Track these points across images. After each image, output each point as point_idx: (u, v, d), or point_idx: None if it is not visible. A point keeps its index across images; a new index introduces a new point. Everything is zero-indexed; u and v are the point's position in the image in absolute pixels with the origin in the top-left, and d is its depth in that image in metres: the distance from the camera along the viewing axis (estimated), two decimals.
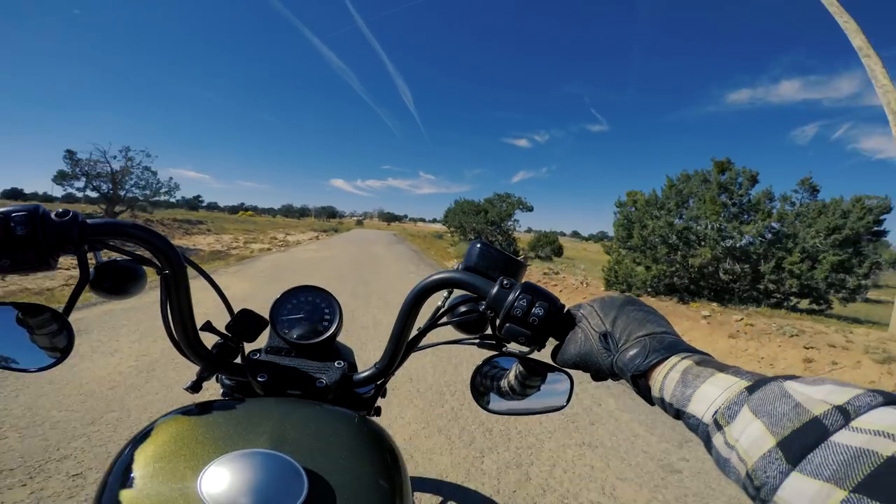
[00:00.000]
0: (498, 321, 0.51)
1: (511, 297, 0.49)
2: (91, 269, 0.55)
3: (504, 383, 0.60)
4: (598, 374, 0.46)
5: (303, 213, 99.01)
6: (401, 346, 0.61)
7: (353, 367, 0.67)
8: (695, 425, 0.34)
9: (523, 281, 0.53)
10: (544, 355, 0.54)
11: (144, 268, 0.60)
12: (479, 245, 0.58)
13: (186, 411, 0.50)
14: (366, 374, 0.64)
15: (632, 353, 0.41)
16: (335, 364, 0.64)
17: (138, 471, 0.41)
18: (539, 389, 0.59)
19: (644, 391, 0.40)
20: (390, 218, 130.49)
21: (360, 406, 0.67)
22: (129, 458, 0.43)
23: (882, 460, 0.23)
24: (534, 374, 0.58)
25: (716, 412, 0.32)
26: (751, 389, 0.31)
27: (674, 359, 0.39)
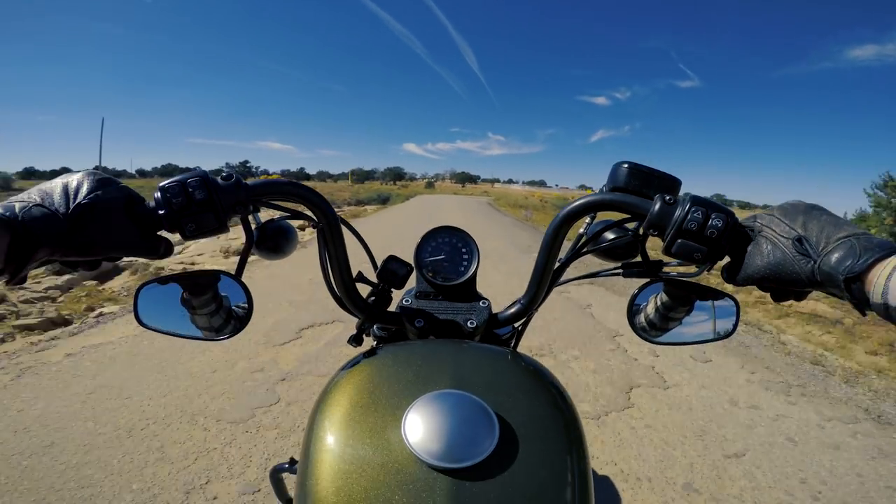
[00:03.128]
0: (665, 239, 0.47)
1: (680, 212, 0.46)
2: (254, 230, 0.56)
3: (641, 318, 0.57)
4: (792, 285, 0.42)
5: (368, 176, 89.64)
6: (545, 280, 0.59)
7: (491, 306, 0.65)
8: None
9: (689, 193, 0.48)
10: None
11: (295, 226, 0.65)
12: (626, 165, 0.55)
13: (360, 362, 0.50)
14: (510, 311, 0.63)
15: (838, 254, 0.37)
16: (480, 304, 0.64)
17: (342, 422, 0.42)
18: (681, 322, 0.55)
19: (859, 296, 0.36)
20: (464, 178, 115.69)
21: (502, 344, 0.67)
22: (329, 410, 0.44)
23: None
24: (680, 305, 0.54)
25: None
26: None
27: (894, 258, 0.34)
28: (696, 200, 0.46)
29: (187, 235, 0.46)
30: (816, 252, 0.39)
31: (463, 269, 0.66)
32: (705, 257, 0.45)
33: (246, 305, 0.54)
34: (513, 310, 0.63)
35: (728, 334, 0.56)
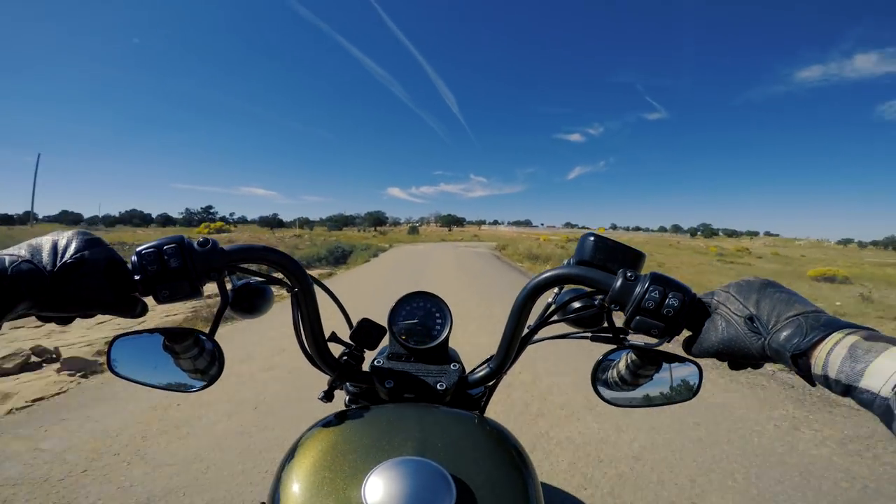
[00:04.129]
0: (626, 314, 0.50)
1: (640, 290, 0.49)
2: (229, 292, 0.58)
3: (613, 373, 0.59)
4: (744, 360, 0.45)
5: (347, 221, 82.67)
6: (514, 345, 0.62)
7: (463, 368, 0.68)
8: (869, 400, 0.33)
9: (650, 271, 0.51)
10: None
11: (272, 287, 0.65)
12: (592, 238, 0.57)
13: (331, 422, 0.53)
14: (479, 374, 0.66)
15: (786, 333, 0.40)
16: (451, 367, 0.66)
17: (304, 482, 0.44)
18: (651, 379, 0.57)
19: (804, 369, 0.39)
20: (450, 221, 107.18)
21: (472, 406, 0.69)
22: (294, 469, 0.46)
23: None
24: (649, 364, 0.57)
25: (895, 385, 0.32)
26: None
27: (836, 335, 0.38)
28: (655, 279, 0.49)
29: (160, 300, 0.48)
30: (767, 330, 0.42)
31: (436, 332, 0.69)
32: (662, 332, 0.48)
33: (219, 359, 0.55)
34: (482, 372, 0.66)
35: (689, 397, 0.58)
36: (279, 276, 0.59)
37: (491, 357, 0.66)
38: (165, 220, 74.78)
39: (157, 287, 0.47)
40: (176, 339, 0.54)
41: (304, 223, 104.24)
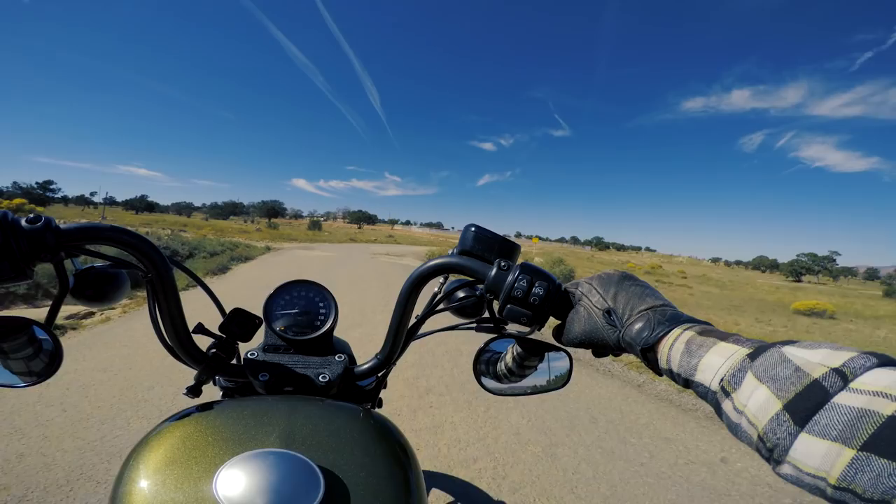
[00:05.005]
0: (498, 303, 0.51)
1: (510, 279, 0.50)
2: (70, 277, 0.52)
3: (501, 366, 0.61)
4: (604, 350, 0.47)
5: (235, 210, 69.29)
6: (400, 335, 0.61)
7: (352, 359, 0.66)
8: (703, 393, 0.35)
9: (521, 261, 0.52)
10: (545, 336, 0.52)
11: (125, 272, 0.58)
12: (473, 229, 0.57)
13: (190, 414, 0.49)
14: (367, 366, 0.64)
15: (637, 326, 0.42)
16: (335, 358, 0.63)
17: (150, 477, 0.40)
18: (536, 370, 0.59)
19: (652, 363, 0.41)
20: (360, 218, 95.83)
21: (363, 399, 0.67)
22: (139, 463, 0.42)
23: (884, 419, 0.24)
24: (532, 355, 0.59)
25: (721, 379, 0.34)
26: (752, 356, 0.33)
27: (677, 330, 0.40)
28: (524, 269, 0.50)
29: None
30: (621, 323, 0.44)
31: (319, 323, 0.66)
32: (530, 320, 0.50)
33: (55, 353, 0.50)
34: (369, 364, 0.64)
35: (561, 385, 0.60)
36: (131, 260, 0.53)
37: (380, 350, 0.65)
38: None
39: None
40: (6, 333, 0.48)
41: (183, 208, 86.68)
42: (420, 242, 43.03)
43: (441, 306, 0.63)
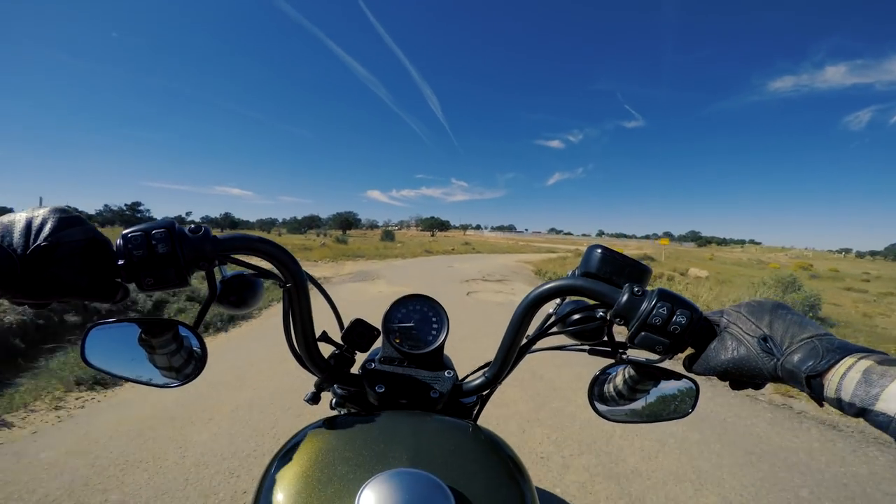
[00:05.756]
0: (630, 329, 0.49)
1: (647, 305, 0.48)
2: (218, 283, 0.55)
3: (610, 387, 0.58)
4: (752, 379, 0.45)
5: (312, 223, 69.88)
6: (511, 355, 0.60)
7: (457, 376, 0.66)
8: (885, 423, 0.34)
9: (657, 287, 0.50)
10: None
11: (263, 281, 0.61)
12: (599, 250, 0.55)
13: (320, 429, 0.50)
14: (474, 382, 0.64)
15: (800, 355, 0.40)
16: (445, 374, 0.64)
17: (294, 493, 0.41)
18: (648, 394, 0.57)
19: (818, 392, 0.40)
20: (433, 225, 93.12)
21: (465, 414, 0.66)
22: (281, 477, 0.43)
23: None
24: (646, 379, 0.56)
25: None
26: None
27: (849, 359, 0.38)
28: (663, 295, 0.48)
29: (144, 288, 0.45)
30: (780, 351, 0.42)
31: (431, 337, 0.66)
32: (667, 349, 0.47)
33: (201, 354, 0.52)
34: (478, 381, 0.64)
35: (685, 414, 0.57)
36: (271, 269, 0.56)
37: (486, 365, 0.65)
38: None
39: (141, 273, 0.44)
40: (155, 331, 0.50)
41: (266, 224, 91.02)
42: (501, 249, 37.43)
43: (555, 329, 0.61)
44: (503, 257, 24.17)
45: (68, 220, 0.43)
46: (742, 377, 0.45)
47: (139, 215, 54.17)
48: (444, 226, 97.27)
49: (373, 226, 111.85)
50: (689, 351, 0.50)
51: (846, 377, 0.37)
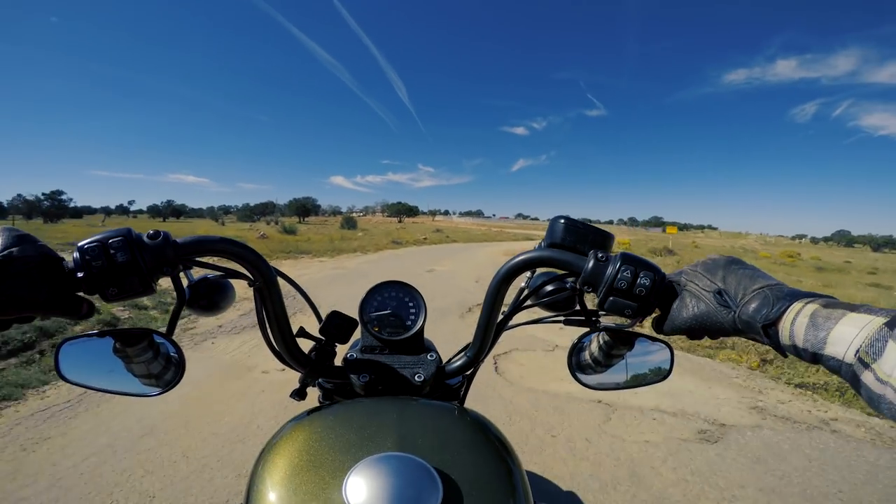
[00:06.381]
0: (599, 296, 0.49)
1: (611, 270, 0.48)
2: (185, 289, 0.54)
3: (585, 355, 0.59)
4: (717, 333, 0.45)
5: (265, 210, 62.55)
6: (489, 332, 0.61)
7: (440, 358, 0.66)
8: (836, 366, 0.34)
9: (620, 251, 0.51)
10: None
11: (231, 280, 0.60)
12: (562, 220, 0.56)
13: (305, 420, 0.51)
14: (457, 363, 0.65)
15: (754, 304, 0.41)
16: (427, 357, 0.64)
17: (282, 483, 0.42)
18: (623, 358, 0.58)
19: (774, 340, 0.40)
20: (400, 210, 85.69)
21: (451, 396, 0.67)
22: (270, 470, 0.44)
23: None
24: (621, 344, 0.57)
25: (857, 351, 0.32)
26: (891, 325, 0.31)
27: (797, 304, 0.38)
28: (626, 258, 0.49)
29: (109, 299, 0.44)
30: (735, 303, 0.43)
31: (410, 322, 0.66)
32: (635, 312, 0.48)
33: (179, 359, 0.52)
34: (460, 361, 0.64)
35: (665, 376, 0.58)
36: (239, 269, 0.55)
37: (467, 346, 0.65)
38: None
39: (103, 285, 0.44)
40: (129, 341, 0.50)
41: (217, 212, 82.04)
42: (476, 237, 33.19)
43: (529, 301, 0.62)
44: (485, 248, 19.94)
45: (19, 236, 0.43)
46: (706, 333, 0.45)
47: (61, 204, 45.34)
48: (412, 211, 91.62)
49: (335, 212, 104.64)
50: (656, 313, 0.50)
51: (796, 322, 0.37)
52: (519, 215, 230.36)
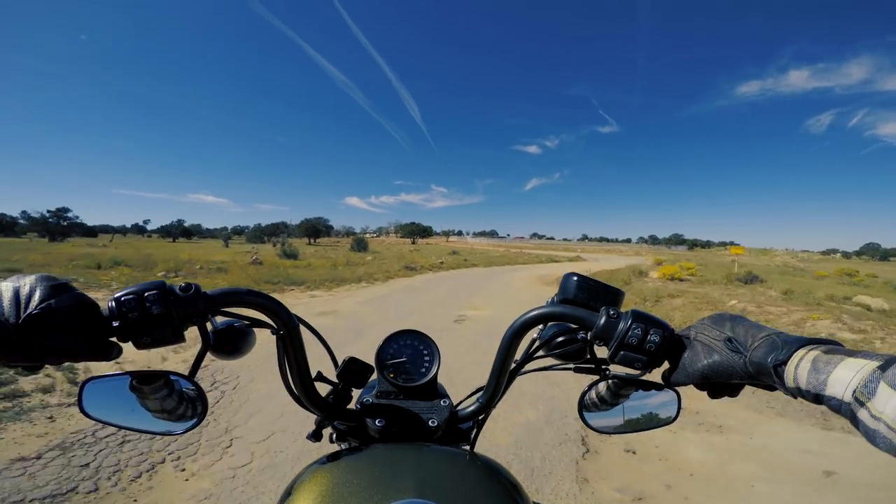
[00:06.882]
0: (610, 349, 0.52)
1: (623, 326, 0.51)
2: (210, 335, 0.57)
3: (592, 394, 0.61)
4: (729, 378, 0.47)
5: (274, 231, 60.72)
6: (502, 380, 0.63)
7: (452, 403, 0.67)
8: (836, 406, 0.37)
9: (631, 309, 0.53)
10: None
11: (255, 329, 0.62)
12: (575, 278, 0.60)
13: (326, 465, 0.52)
14: (470, 409, 0.66)
15: (764, 349, 0.44)
16: (441, 403, 0.65)
17: None
18: (629, 398, 0.60)
19: (781, 382, 0.42)
20: (413, 231, 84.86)
21: (462, 439, 0.68)
22: None
23: None
24: (627, 385, 0.59)
25: (854, 391, 0.35)
26: (883, 368, 0.34)
27: (801, 351, 0.41)
28: (637, 316, 0.51)
29: (141, 346, 0.47)
30: (745, 348, 0.46)
31: (424, 370, 0.68)
32: (645, 365, 0.51)
33: (198, 399, 0.54)
34: (472, 407, 0.66)
35: (671, 420, 0.60)
36: (263, 317, 0.58)
37: (479, 390, 0.66)
38: None
39: (137, 334, 0.46)
40: (147, 382, 0.51)
41: (229, 233, 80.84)
42: (497, 260, 29.84)
43: (541, 353, 0.64)
44: (514, 274, 16.95)
45: (56, 286, 0.45)
46: (718, 379, 0.48)
47: (69, 221, 44.19)
48: (425, 232, 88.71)
49: (348, 233, 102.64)
50: (665, 365, 0.53)
51: (800, 367, 0.40)
52: (534, 235, 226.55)
